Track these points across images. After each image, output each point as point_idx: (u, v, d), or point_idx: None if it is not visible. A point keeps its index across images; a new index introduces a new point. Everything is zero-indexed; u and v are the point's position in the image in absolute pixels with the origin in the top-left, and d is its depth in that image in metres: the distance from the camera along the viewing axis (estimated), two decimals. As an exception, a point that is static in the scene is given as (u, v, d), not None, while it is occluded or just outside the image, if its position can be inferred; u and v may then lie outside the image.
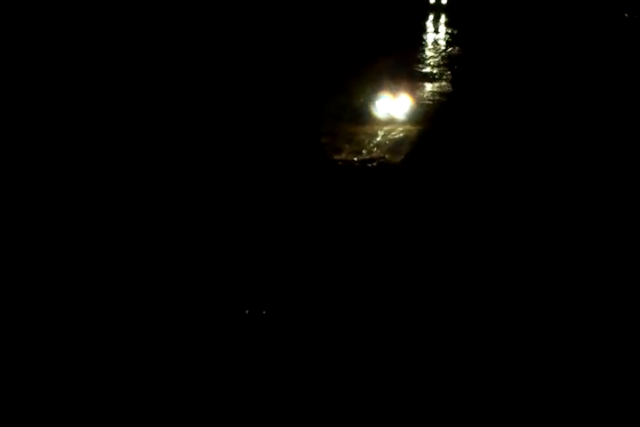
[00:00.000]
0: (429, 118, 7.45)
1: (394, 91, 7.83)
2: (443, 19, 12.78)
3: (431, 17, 12.81)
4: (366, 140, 6.72)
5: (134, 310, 3.79)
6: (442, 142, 6.50)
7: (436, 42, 11.43)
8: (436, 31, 12.27)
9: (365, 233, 4.61)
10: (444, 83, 9.01)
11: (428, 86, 8.81)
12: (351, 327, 3.64)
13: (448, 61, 9.95)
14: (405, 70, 8.98)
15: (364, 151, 6.41)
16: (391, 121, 7.25)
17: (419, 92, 8.40)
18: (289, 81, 8.14)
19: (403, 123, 7.22)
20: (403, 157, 6.13)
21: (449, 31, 11.93)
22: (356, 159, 6.12)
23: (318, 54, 9.18)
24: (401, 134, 6.89)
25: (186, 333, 3.59)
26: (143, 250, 4.40)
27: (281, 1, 11.52)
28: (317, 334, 3.59)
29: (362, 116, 7.32)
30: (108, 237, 4.57)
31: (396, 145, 6.50)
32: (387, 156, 6.20)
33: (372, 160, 6.07)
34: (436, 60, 10.12)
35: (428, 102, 8.14)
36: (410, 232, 4.63)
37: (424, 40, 11.40)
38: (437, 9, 12.94)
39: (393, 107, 7.51)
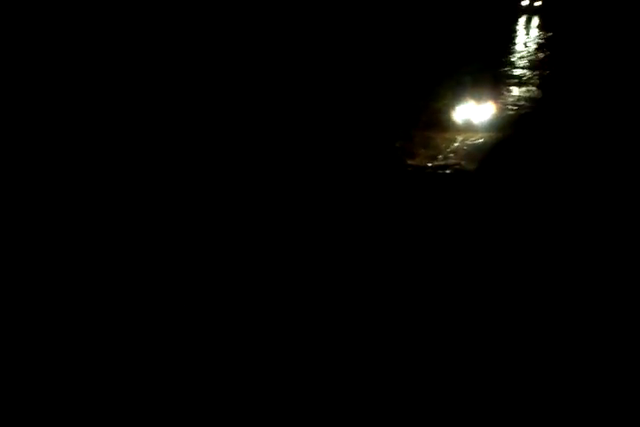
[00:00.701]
0: (512, 125, 7.09)
1: (477, 95, 7.52)
2: (535, 22, 12.23)
3: (523, 20, 12.29)
4: (443, 146, 6.49)
5: (133, 307, 3.78)
6: (522, 151, 6.15)
7: (526, 45, 10.92)
8: (527, 34, 11.73)
9: (429, 239, 4.42)
10: (532, 87, 8.58)
11: (515, 91, 8.42)
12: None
13: (538, 65, 9.47)
14: (492, 74, 8.64)
15: (439, 157, 6.18)
16: (471, 127, 6.95)
17: (504, 97, 8.06)
18: (366, 82, 8.01)
19: (483, 129, 6.90)
20: (478, 164, 5.85)
21: (540, 34, 11.37)
22: (430, 164, 5.91)
23: (401, 57, 9.00)
24: (480, 141, 6.59)
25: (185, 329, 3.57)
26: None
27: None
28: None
29: (441, 121, 7.08)
30: (109, 236, 4.57)
31: (474, 152, 6.21)
32: (462, 162, 5.94)
33: (446, 167, 5.83)
34: (526, 63, 9.66)
35: (512, 108, 7.76)
36: (476, 241, 4.39)
37: (514, 43, 10.93)
38: (529, 12, 12.37)
39: (475, 112, 7.20)
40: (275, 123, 6.87)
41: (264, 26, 10.28)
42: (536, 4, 12.54)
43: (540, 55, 10.07)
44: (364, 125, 6.80)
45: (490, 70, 8.57)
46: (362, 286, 3.89)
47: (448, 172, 5.68)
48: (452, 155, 6.23)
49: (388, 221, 4.71)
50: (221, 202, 5.05)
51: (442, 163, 5.93)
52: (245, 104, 7.40)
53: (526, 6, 12.54)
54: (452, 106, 7.31)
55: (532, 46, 10.66)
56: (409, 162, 6.01)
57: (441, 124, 7.02)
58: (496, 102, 7.55)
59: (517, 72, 9.16)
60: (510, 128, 6.91)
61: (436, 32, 10.16)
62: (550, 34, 11.11)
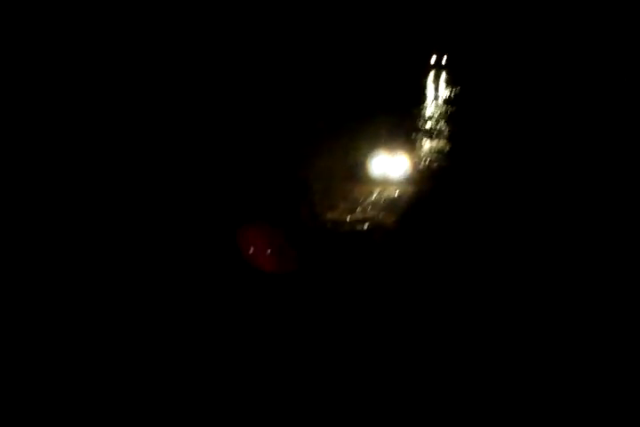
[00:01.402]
0: (426, 178, 7.41)
1: (391, 148, 7.81)
2: (443, 77, 13.05)
3: (432, 75, 13.08)
4: (361, 199, 6.64)
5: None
6: (438, 204, 6.40)
7: (435, 99, 11.60)
8: (436, 89, 12.48)
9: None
10: (442, 140, 9.04)
11: (427, 143, 8.84)
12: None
13: (447, 119, 10.04)
14: (404, 128, 9.05)
15: (358, 210, 6.32)
16: (388, 180, 7.18)
17: (417, 150, 8.42)
18: (282, 136, 8.08)
19: (399, 182, 7.15)
20: (396, 218, 6.02)
21: (448, 89, 12.14)
22: (348, 219, 6.02)
23: (316, 110, 9.21)
24: (396, 194, 6.81)
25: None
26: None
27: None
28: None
29: (358, 174, 7.26)
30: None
31: (391, 205, 6.40)
32: (380, 215, 6.10)
33: (365, 220, 5.95)
34: (436, 117, 10.21)
35: (425, 160, 8.12)
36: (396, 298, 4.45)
37: (424, 98, 11.57)
38: (438, 67, 13.20)
39: (390, 165, 7.46)
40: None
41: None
42: (443, 60, 13.39)
43: (449, 109, 10.69)
44: (283, 179, 6.83)
45: (402, 124, 8.97)
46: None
47: (366, 226, 5.80)
48: (369, 208, 6.38)
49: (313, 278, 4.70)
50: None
51: (360, 217, 6.05)
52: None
53: (434, 63, 13.38)
54: (368, 159, 7.54)
55: (441, 101, 11.33)
56: (329, 215, 6.09)
57: (358, 176, 7.20)
58: (410, 155, 7.88)
59: (428, 126, 9.64)
60: (424, 181, 7.21)
61: (347, 88, 10.50)
62: (457, 88, 11.89)
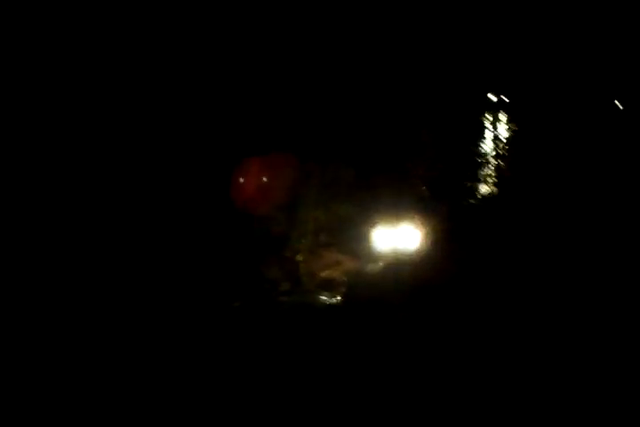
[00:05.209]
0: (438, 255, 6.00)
1: (404, 214, 6.42)
2: (503, 120, 11.19)
3: (489, 117, 11.26)
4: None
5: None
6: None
7: (489, 149, 9.76)
8: (495, 137, 10.57)
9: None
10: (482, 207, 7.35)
11: (458, 210, 7.17)
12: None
13: (497, 179, 8.26)
14: (433, 185, 7.48)
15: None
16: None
17: (441, 219, 6.76)
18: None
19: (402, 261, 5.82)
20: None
21: (506, 138, 10.32)
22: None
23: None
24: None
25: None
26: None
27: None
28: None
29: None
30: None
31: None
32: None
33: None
34: (482, 174, 8.47)
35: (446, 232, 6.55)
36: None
37: (475, 145, 9.81)
38: (498, 107, 11.31)
39: (396, 235, 6.13)
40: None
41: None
42: (506, 99, 11.47)
43: (502, 165, 9.00)
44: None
45: (432, 181, 7.41)
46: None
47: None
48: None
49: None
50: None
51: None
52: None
53: (496, 102, 11.59)
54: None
55: (494, 148, 9.61)
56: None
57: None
58: (429, 225, 6.46)
59: (468, 185, 7.97)
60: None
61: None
62: (517, 140, 9.95)
